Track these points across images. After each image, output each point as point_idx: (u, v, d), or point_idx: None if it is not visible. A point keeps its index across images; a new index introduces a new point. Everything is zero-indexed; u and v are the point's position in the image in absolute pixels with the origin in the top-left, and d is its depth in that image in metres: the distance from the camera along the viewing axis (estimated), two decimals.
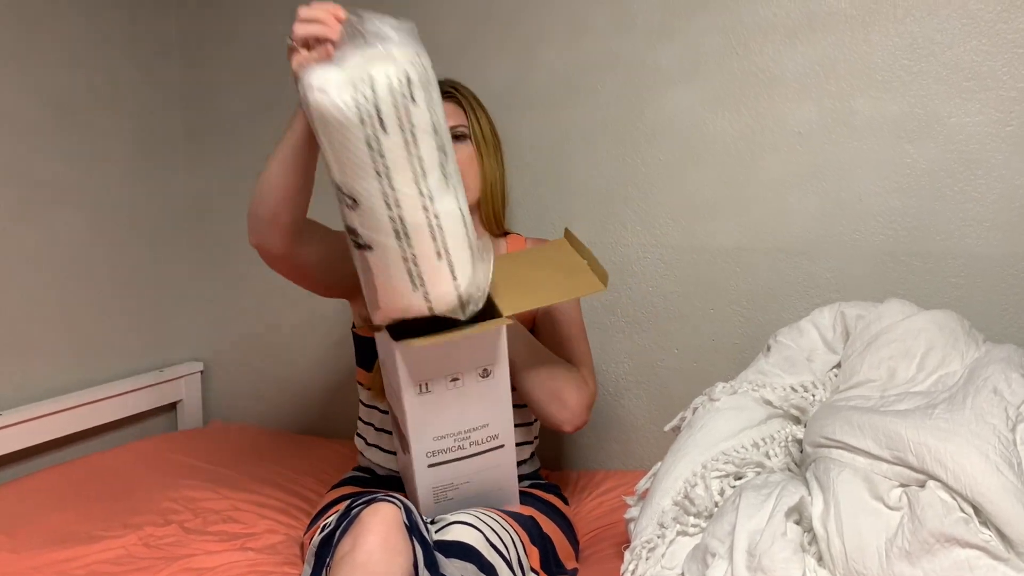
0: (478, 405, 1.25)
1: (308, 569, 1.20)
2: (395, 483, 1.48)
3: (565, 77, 1.81)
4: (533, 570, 1.25)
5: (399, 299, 1.16)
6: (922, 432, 1.05)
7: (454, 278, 1.15)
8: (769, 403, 1.32)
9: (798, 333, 1.44)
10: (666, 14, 1.72)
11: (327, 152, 1.10)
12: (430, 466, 1.25)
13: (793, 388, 1.35)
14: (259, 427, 2.14)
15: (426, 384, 1.21)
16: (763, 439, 1.27)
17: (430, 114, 1.10)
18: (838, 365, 1.37)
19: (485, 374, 1.24)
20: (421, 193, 1.11)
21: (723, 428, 1.27)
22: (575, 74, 1.80)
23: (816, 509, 1.06)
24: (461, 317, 1.17)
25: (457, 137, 1.46)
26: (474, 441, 1.26)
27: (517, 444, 1.40)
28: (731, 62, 1.68)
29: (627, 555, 1.18)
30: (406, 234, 1.12)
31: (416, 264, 1.13)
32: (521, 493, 1.39)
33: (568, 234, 1.41)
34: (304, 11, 1.11)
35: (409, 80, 1.07)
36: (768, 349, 1.44)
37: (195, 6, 2.14)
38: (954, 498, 1.00)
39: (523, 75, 1.83)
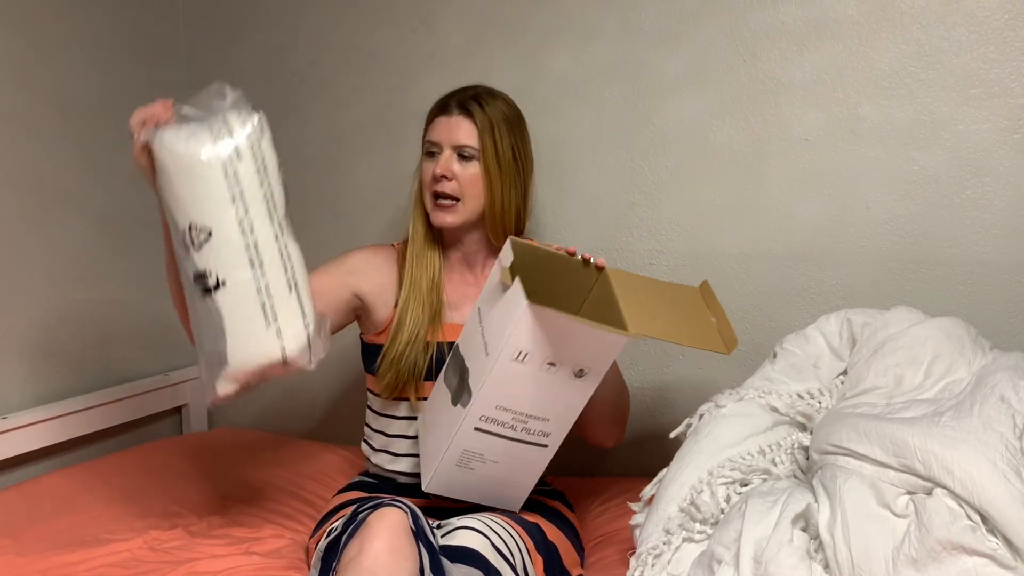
0: (554, 399, 1.23)
1: (315, 573, 1.20)
2: (401, 488, 1.48)
3: (572, 84, 1.81)
4: None
5: (252, 342, 1.17)
6: (929, 439, 1.05)
7: (303, 315, 1.19)
8: (775, 410, 1.32)
9: (804, 340, 1.44)
10: (674, 21, 1.72)
11: (178, 197, 1.14)
12: (476, 429, 1.23)
13: (799, 395, 1.34)
14: (264, 432, 2.14)
15: (526, 355, 1.18)
16: (769, 446, 1.27)
17: (276, 158, 1.19)
18: (844, 372, 1.37)
19: (580, 374, 1.22)
20: (272, 220, 1.16)
21: (729, 435, 1.27)
22: (582, 81, 1.80)
23: (823, 516, 1.06)
24: (309, 367, 1.21)
25: (465, 157, 1.45)
26: (528, 429, 1.25)
27: None
28: (738, 69, 1.68)
29: (633, 562, 1.18)
30: (260, 261, 1.15)
31: (269, 296, 1.16)
32: (527, 499, 1.39)
33: (704, 287, 1.37)
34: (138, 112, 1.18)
35: (260, 120, 1.18)
36: (774, 356, 1.44)
37: (201, 10, 2.14)
38: (961, 506, 0.99)
39: (530, 81, 1.83)
